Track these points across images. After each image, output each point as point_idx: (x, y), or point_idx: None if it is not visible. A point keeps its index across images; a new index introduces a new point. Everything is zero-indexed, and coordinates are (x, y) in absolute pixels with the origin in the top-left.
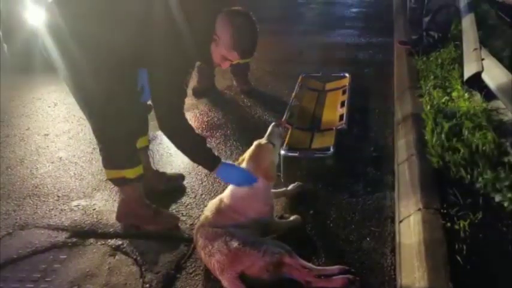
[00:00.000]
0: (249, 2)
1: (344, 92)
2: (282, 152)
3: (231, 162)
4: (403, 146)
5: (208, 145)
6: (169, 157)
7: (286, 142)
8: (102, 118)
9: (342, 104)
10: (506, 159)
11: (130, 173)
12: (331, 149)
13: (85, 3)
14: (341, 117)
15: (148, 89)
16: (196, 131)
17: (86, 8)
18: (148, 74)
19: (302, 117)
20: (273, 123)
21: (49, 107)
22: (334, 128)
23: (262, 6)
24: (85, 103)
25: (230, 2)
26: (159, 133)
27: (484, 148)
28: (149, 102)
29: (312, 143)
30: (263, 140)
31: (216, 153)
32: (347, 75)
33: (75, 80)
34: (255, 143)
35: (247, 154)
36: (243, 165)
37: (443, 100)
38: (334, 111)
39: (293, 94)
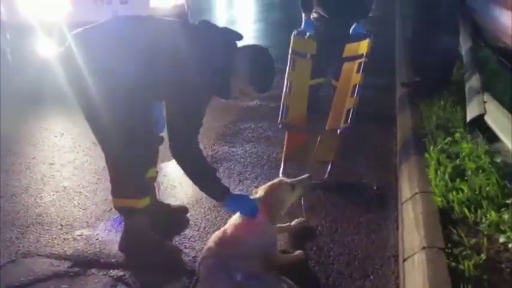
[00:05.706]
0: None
1: (359, 67)
2: None
3: (239, 193)
4: (407, 185)
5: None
6: (173, 189)
7: None
8: (118, 148)
9: (354, 88)
10: (509, 201)
11: (138, 203)
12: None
13: (103, 37)
14: (348, 112)
15: (162, 122)
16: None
17: (104, 41)
18: (166, 104)
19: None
20: (308, 175)
21: (55, 136)
22: (338, 130)
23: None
24: (101, 132)
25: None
26: (164, 165)
27: (487, 189)
28: (161, 135)
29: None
30: (286, 179)
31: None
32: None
33: (93, 111)
34: (278, 178)
35: (263, 186)
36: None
37: (446, 141)
38: (345, 98)
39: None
